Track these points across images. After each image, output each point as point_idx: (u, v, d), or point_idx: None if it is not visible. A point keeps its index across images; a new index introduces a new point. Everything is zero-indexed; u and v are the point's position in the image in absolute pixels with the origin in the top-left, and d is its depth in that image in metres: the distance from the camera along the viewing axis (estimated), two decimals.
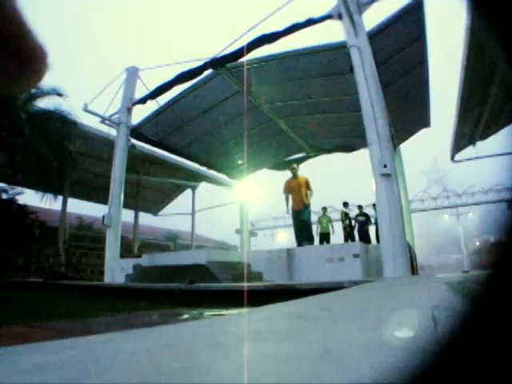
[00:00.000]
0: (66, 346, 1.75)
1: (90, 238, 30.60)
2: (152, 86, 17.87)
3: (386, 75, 13.87)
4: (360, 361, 1.20)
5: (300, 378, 1.06)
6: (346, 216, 22.35)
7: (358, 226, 22.03)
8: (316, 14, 13.15)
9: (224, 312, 6.04)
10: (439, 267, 37.30)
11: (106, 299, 10.09)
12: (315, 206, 21.84)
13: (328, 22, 12.98)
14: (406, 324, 1.68)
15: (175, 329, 2.43)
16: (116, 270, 16.79)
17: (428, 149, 48.45)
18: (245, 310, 5.05)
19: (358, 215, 22.41)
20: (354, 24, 12.16)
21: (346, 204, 22.66)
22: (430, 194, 39.01)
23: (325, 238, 21.02)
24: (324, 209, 22.28)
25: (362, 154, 17.62)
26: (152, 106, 18.70)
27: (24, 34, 0.66)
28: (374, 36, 13.36)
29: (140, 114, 19.44)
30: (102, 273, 18.93)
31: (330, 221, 21.76)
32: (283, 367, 1.17)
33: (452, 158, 25.95)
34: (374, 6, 13.05)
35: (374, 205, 20.05)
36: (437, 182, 40.85)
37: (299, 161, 25.28)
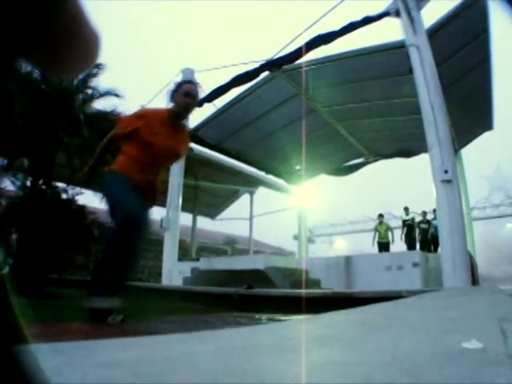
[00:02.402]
0: (136, 344, 1.78)
1: (147, 239, 30.97)
2: (208, 89, 17.98)
3: (446, 75, 13.35)
4: (430, 370, 1.18)
5: None
6: (404, 223, 21.26)
7: (421, 234, 20.38)
8: (372, 12, 12.97)
9: (283, 318, 6.03)
10: (501, 278, 35.96)
11: (163, 301, 10.23)
12: (374, 212, 20.94)
13: (385, 21, 12.75)
14: (473, 335, 1.64)
15: (240, 332, 2.45)
16: (174, 272, 17.00)
17: (490, 153, 46.89)
18: (305, 317, 5.03)
19: (420, 222, 20.82)
20: (412, 21, 11.83)
21: (406, 209, 21.43)
22: (493, 201, 37.46)
23: (384, 247, 19.89)
24: (381, 216, 21.28)
25: (423, 160, 16.95)
26: (209, 108, 18.78)
27: (79, 17, 0.68)
28: (434, 33, 12.93)
29: (197, 116, 19.57)
30: (159, 274, 19.19)
31: (388, 229, 20.71)
32: (353, 373, 1.16)
33: None
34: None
35: (434, 210, 19.54)
36: (500, 189, 39.18)
37: (358, 166, 25.06)
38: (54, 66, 0.75)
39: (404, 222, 21.17)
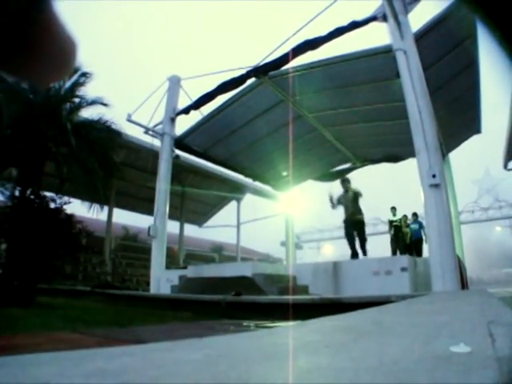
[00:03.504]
0: (123, 353, 1.77)
1: (135, 248, 30.99)
2: (195, 96, 17.93)
3: (433, 79, 13.35)
4: (419, 375, 1.18)
5: None
6: (390, 224, 20.09)
7: (402, 238, 19.43)
8: (359, 17, 12.93)
9: (271, 324, 6.03)
10: (490, 281, 36.01)
11: (151, 309, 10.20)
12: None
13: (372, 25, 12.71)
14: (462, 339, 1.64)
15: (227, 339, 2.44)
16: (162, 280, 16.93)
17: (479, 156, 46.99)
18: (293, 323, 5.03)
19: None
20: (399, 25, 11.79)
21: (393, 209, 20.07)
22: (481, 205, 37.49)
23: (355, 226, 15.03)
24: (345, 181, 15.70)
25: (410, 165, 16.73)
26: (195, 115, 18.80)
27: (55, 25, 0.68)
28: (421, 37, 12.97)
29: (184, 124, 19.57)
30: (147, 283, 19.12)
31: (357, 195, 15.17)
32: (340, 379, 1.16)
33: (505, 166, 24.91)
34: (421, 3, 12.61)
35: (413, 214, 19.37)
36: (488, 192, 39.21)
37: (345, 172, 25.05)
38: (30, 75, 0.74)
39: (391, 222, 20.12)
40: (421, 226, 18.15)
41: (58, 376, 1.25)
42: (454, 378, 1.11)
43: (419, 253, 17.52)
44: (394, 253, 19.09)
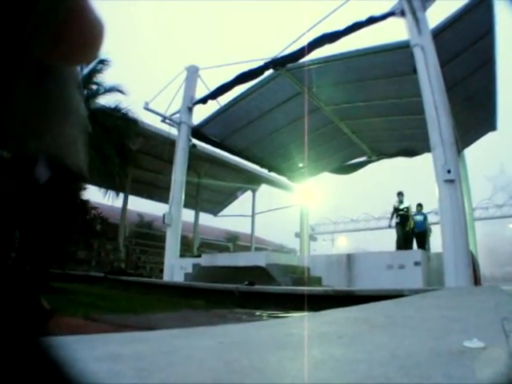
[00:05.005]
0: (136, 339, 1.78)
1: (150, 235, 31.07)
2: (212, 86, 17.98)
3: (450, 75, 13.24)
4: (432, 369, 1.17)
5: (371, 381, 1.05)
6: (395, 211, 18.07)
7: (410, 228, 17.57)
8: (377, 12, 12.91)
9: (284, 315, 6.03)
10: (503, 279, 35.58)
11: (164, 297, 10.23)
12: (376, 210, 19.31)
13: (390, 20, 12.69)
14: (475, 335, 1.63)
15: (241, 328, 2.44)
16: (175, 268, 17.00)
17: (494, 153, 46.51)
18: (306, 314, 5.03)
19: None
20: (417, 21, 11.79)
21: (399, 195, 18.08)
22: (496, 202, 36.99)
23: None
24: None
25: (426, 159, 16.48)
26: (213, 105, 18.85)
27: (84, 7, 0.69)
28: (439, 34, 12.88)
29: (201, 113, 19.60)
30: (161, 270, 19.20)
31: None
32: (353, 370, 1.16)
33: None
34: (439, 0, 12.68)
35: (418, 205, 18.78)
36: (503, 189, 38.63)
37: (361, 165, 24.99)
38: (61, 54, 0.75)
39: (397, 210, 18.11)
40: (425, 218, 17.87)
41: (69, 359, 1.26)
42: (467, 372, 1.11)
43: (424, 246, 17.13)
44: (398, 246, 17.45)
